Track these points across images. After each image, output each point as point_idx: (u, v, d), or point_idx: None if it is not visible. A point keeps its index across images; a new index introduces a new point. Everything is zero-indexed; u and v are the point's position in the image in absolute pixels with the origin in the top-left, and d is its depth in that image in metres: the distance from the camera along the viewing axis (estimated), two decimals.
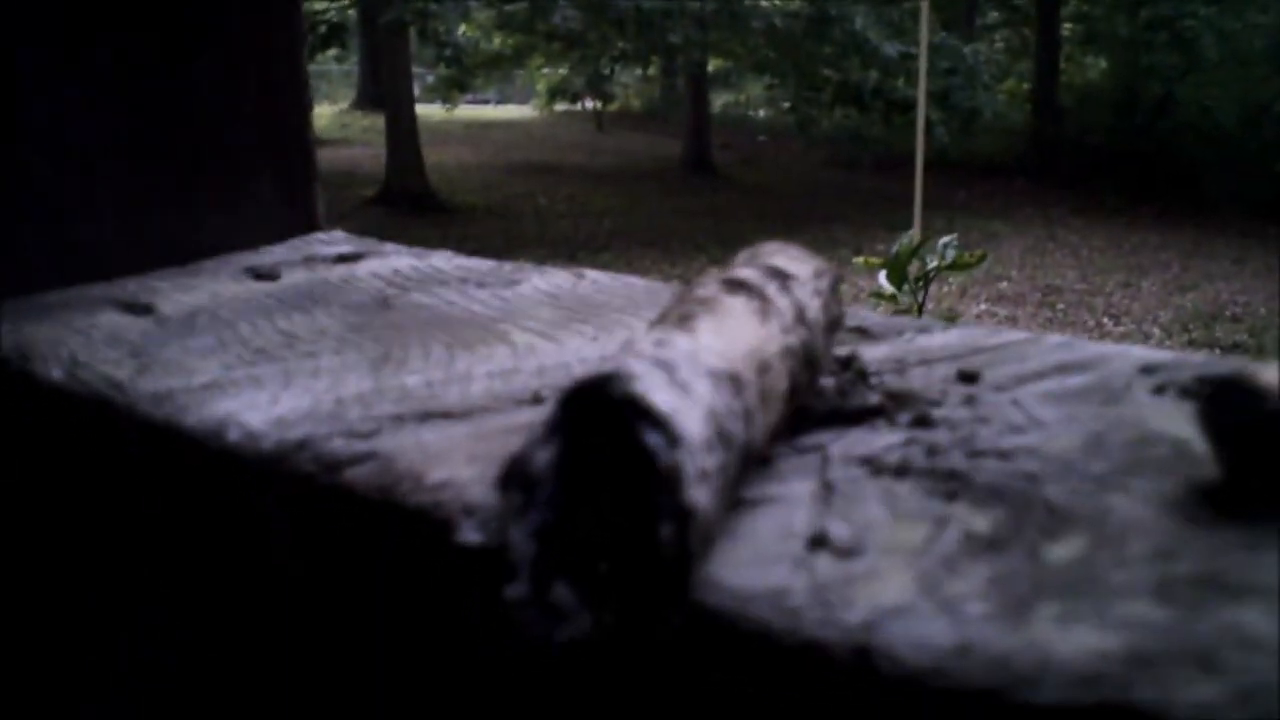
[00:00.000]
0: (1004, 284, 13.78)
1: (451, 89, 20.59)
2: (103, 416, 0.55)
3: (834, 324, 0.49)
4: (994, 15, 25.94)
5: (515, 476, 0.33)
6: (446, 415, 0.49)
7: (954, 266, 3.24)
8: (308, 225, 0.90)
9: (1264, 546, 0.35)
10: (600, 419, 0.34)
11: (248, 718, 0.54)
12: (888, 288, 2.99)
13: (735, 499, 0.39)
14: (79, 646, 0.67)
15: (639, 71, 25.39)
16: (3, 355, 0.63)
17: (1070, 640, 0.30)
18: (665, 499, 0.31)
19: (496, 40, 21.68)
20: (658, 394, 0.33)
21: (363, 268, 0.79)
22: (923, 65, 12.81)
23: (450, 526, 0.35)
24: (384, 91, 19.81)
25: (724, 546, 0.37)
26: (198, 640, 0.57)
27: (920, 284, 3.09)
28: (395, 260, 0.81)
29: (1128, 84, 22.25)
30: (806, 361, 0.44)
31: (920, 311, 2.77)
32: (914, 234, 3.13)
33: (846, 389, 0.49)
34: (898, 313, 2.69)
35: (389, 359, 0.58)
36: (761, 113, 28.04)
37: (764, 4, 20.10)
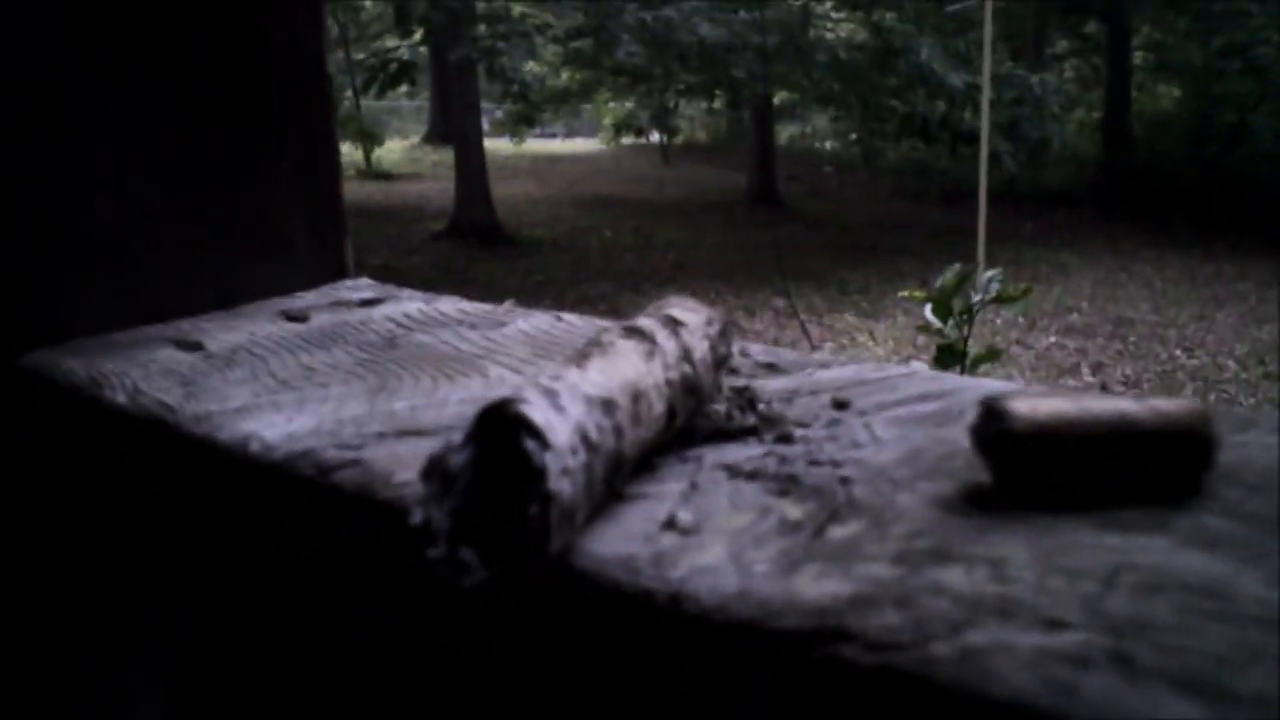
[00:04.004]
0: (1074, 316, 13.64)
1: (519, 124, 20.96)
2: (156, 433, 0.69)
3: (721, 361, 0.62)
4: (1063, 45, 25.80)
5: (433, 471, 0.46)
6: (420, 433, 0.63)
7: (998, 300, 3.31)
8: (338, 272, 1.04)
9: (991, 529, 0.46)
10: (499, 431, 0.46)
11: (254, 659, 0.68)
12: (934, 322, 3.08)
13: (615, 493, 0.51)
14: (130, 613, 0.81)
15: (704, 105, 25.64)
16: (78, 384, 0.77)
17: (817, 589, 0.42)
18: (535, 487, 0.44)
19: (563, 76, 22.02)
20: (537, 413, 0.46)
21: (379, 311, 0.93)
22: (985, 95, 12.76)
23: (407, 512, 0.48)
24: (453, 127, 20.19)
25: (600, 527, 0.49)
26: (221, 606, 0.71)
27: (965, 318, 3.17)
28: (407, 305, 0.94)
29: (1201, 113, 21.99)
30: (688, 390, 0.56)
31: (965, 345, 2.84)
32: (958, 268, 3.21)
33: (732, 413, 0.61)
34: (943, 346, 2.78)
35: (384, 388, 0.71)
36: (828, 144, 28.10)
37: (828, 37, 20.20)
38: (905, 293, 3.89)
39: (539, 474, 0.44)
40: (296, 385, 0.73)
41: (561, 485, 0.45)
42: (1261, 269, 16.24)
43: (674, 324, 0.58)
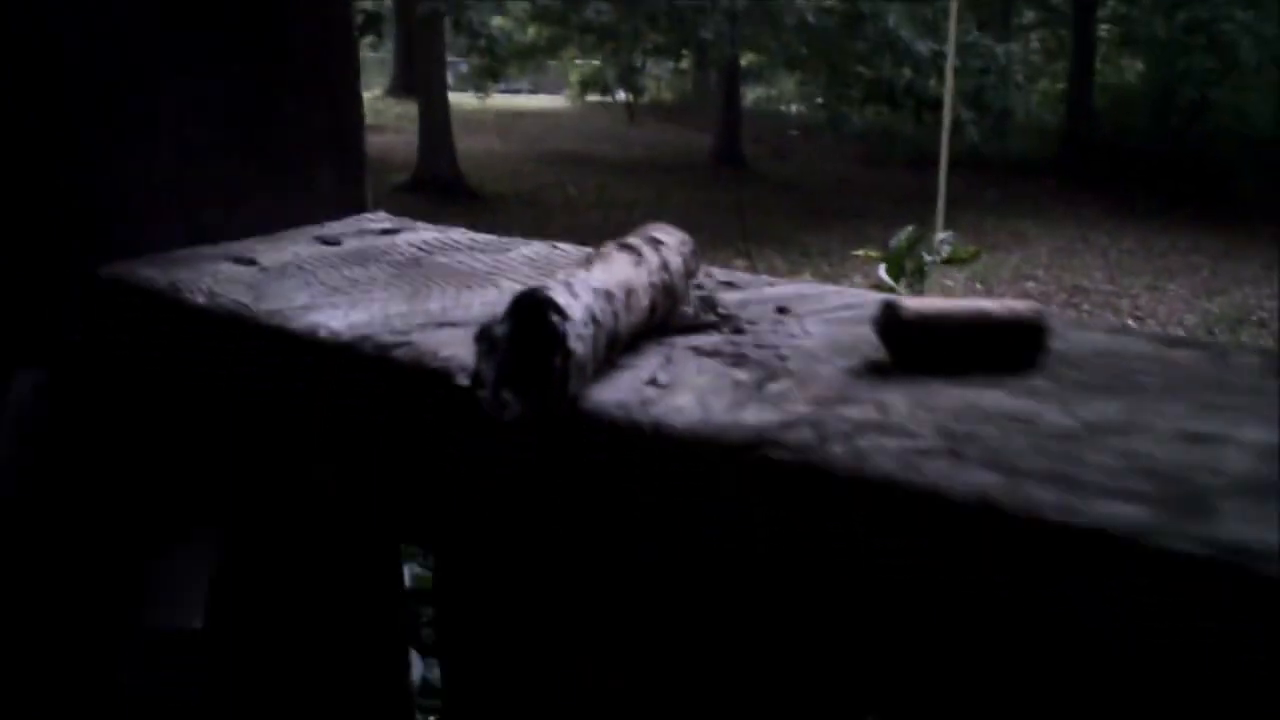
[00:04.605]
0: (1030, 283, 13.89)
1: (485, 78, 20.89)
2: (235, 325, 0.86)
3: (691, 272, 0.80)
4: (1030, 15, 25.99)
5: (482, 337, 0.64)
6: (453, 324, 0.80)
7: (949, 261, 3.50)
8: (358, 207, 1.21)
9: (882, 386, 0.65)
10: (533, 310, 0.64)
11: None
12: (886, 280, 3.27)
13: (611, 361, 0.69)
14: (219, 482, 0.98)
15: (671, 65, 25.68)
16: (159, 289, 0.94)
17: (756, 417, 0.61)
18: (558, 346, 0.62)
19: (530, 31, 21.96)
20: (559, 296, 0.63)
21: (400, 238, 1.10)
22: (950, 62, 12.93)
23: (452, 376, 0.66)
24: (418, 79, 20.11)
25: (601, 384, 0.67)
26: (285, 472, 0.89)
27: (917, 277, 3.36)
28: (424, 234, 1.11)
29: (1163, 86, 22.29)
30: (666, 292, 0.74)
31: None
32: (911, 229, 3.39)
33: (698, 313, 0.79)
34: None
35: (418, 294, 0.89)
36: (794, 108, 28.21)
37: (797, 1, 20.25)
38: (861, 252, 4.08)
39: (561, 337, 0.62)
40: (345, 291, 0.90)
41: (577, 346, 0.62)
42: (1215, 242, 16.51)
43: (656, 242, 0.76)
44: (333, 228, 1.15)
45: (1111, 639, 0.48)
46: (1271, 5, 18.57)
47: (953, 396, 0.62)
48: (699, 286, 0.88)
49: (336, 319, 0.82)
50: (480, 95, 22.53)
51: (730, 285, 0.89)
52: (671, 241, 0.78)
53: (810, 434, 0.58)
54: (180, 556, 1.07)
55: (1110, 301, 13.11)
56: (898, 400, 0.62)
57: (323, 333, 0.80)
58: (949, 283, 11.76)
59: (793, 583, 0.57)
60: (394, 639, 1.21)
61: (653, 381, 0.67)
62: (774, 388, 0.65)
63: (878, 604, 0.54)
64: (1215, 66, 20.22)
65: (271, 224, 1.14)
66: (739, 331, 0.76)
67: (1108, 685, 0.48)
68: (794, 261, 14.43)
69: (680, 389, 0.66)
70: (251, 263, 1.01)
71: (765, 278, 0.91)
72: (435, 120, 18.30)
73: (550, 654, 0.87)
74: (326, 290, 0.91)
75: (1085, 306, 12.78)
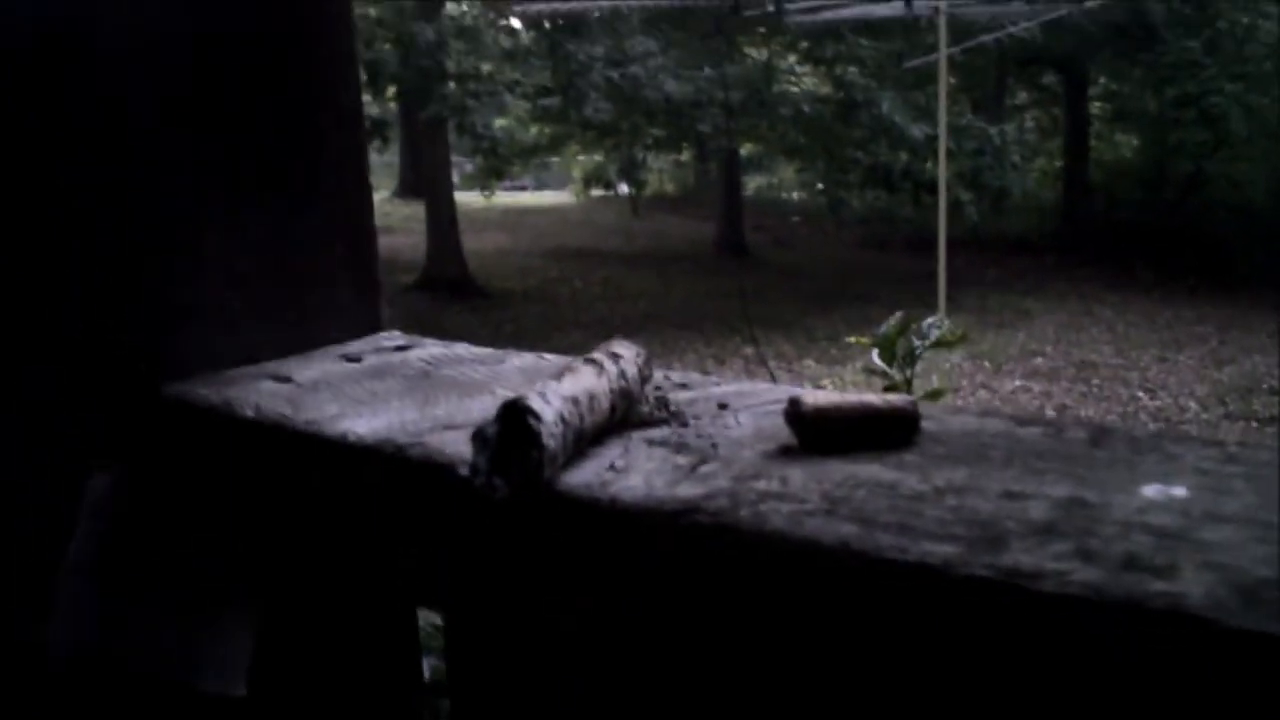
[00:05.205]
0: (1039, 360, 13.98)
1: (489, 177, 21.32)
2: (279, 434, 1.06)
3: (645, 378, 0.99)
4: (1023, 96, 26.51)
5: (478, 437, 0.83)
6: (456, 428, 0.99)
7: (938, 345, 3.69)
8: (374, 324, 1.41)
9: (788, 465, 0.83)
10: (515, 415, 0.83)
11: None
12: (879, 365, 3.45)
13: (580, 452, 0.88)
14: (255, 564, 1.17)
15: (672, 157, 26.20)
16: (214, 405, 1.14)
17: (687, 492, 0.79)
18: (534, 442, 0.80)
19: (532, 130, 22.45)
20: (535, 404, 0.82)
21: (412, 354, 1.29)
22: (942, 145, 13.18)
23: (455, 468, 0.85)
24: (424, 181, 20.54)
25: (572, 470, 0.86)
26: (315, 550, 1.07)
27: (908, 361, 3.55)
28: (431, 349, 1.31)
29: (1158, 160, 22.64)
30: (624, 395, 0.94)
31: (909, 386, 3.22)
32: (900, 315, 3.59)
33: (653, 410, 0.98)
34: (888, 388, 3.15)
35: (427, 403, 1.08)
36: (794, 195, 28.66)
37: (792, 91, 20.68)
38: (854, 339, 4.28)
39: (536, 435, 0.81)
40: (367, 402, 1.10)
41: (549, 442, 0.81)
42: (1219, 312, 16.59)
43: (615, 355, 0.96)
44: (354, 346, 1.35)
45: (936, 646, 0.66)
46: (1259, 77, 18.90)
47: (839, 470, 0.81)
48: (657, 387, 1.07)
49: (361, 425, 1.02)
50: (486, 194, 22.96)
51: (684, 386, 1.08)
52: (628, 354, 0.97)
53: (726, 503, 0.77)
54: (226, 625, 1.25)
55: (1120, 375, 13.16)
56: (797, 475, 0.81)
57: (351, 437, 1.00)
58: (947, 364, 11.89)
59: (714, 614, 0.75)
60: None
61: (611, 467, 0.86)
62: (705, 469, 0.84)
63: (777, 627, 0.73)
64: (1207, 139, 20.51)
65: (306, 342, 1.34)
66: (684, 425, 0.95)
67: (935, 683, 0.66)
68: (800, 346, 14.59)
69: (633, 472, 0.85)
70: (288, 380, 1.21)
71: (713, 378, 1.10)
72: (442, 220, 18.70)
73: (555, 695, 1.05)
74: (352, 402, 1.10)
75: (1095, 381, 12.86)
